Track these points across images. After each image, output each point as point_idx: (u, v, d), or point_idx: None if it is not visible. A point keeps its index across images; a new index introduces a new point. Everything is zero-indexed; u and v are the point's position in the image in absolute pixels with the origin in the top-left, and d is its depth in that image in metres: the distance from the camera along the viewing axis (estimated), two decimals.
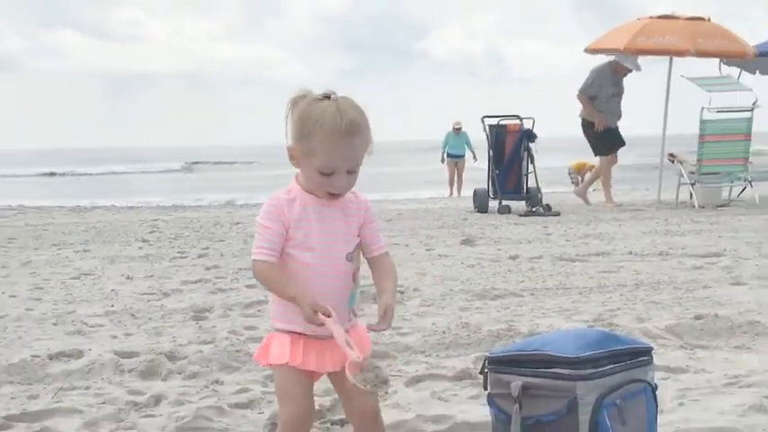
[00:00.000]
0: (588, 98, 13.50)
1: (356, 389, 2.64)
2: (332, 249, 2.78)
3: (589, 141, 13.83)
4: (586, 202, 14.15)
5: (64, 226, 12.44)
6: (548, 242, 9.61)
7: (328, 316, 2.62)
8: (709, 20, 14.64)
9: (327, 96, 2.65)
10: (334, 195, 2.74)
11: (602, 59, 14.17)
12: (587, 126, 13.65)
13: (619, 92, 13.76)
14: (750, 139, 13.46)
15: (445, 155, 20.21)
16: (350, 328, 2.79)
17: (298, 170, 2.78)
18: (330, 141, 2.60)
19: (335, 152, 2.63)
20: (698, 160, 13.41)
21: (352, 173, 2.70)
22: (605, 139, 13.63)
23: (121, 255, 9.12)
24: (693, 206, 13.21)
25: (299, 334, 2.77)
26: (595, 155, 14.01)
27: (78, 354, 4.72)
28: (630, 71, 13.68)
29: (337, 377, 2.85)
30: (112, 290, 6.91)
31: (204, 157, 63.70)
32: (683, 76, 14.15)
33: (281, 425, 2.82)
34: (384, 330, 2.74)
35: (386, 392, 2.76)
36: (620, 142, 13.89)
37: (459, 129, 19.97)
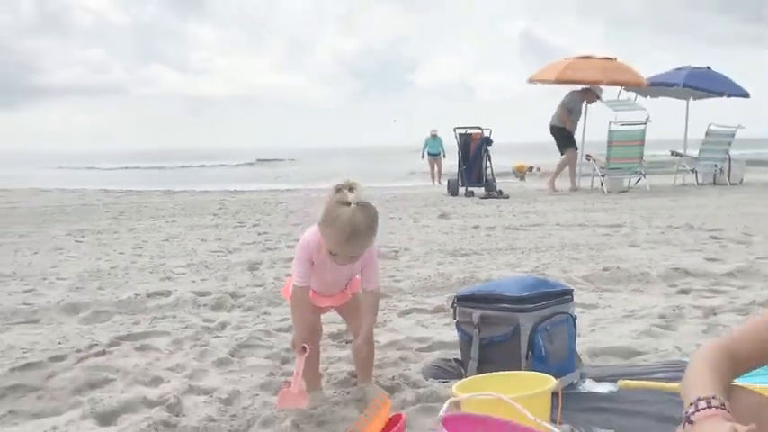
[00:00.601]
0: (567, 110, 13.43)
1: (354, 314, 2.81)
2: (336, 283, 2.81)
3: (557, 141, 13.57)
4: (553, 189, 13.79)
5: (158, 204, 12.42)
6: (500, 217, 9.58)
7: (305, 350, 2.64)
8: (616, 59, 14.60)
9: (348, 203, 2.48)
10: (340, 263, 2.66)
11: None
12: (557, 130, 13.43)
13: (579, 111, 13.62)
14: (643, 144, 13.43)
15: (426, 153, 20.35)
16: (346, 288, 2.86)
17: None
18: (335, 240, 2.51)
19: (338, 248, 2.54)
20: (607, 159, 13.36)
21: (354, 257, 2.61)
22: (569, 140, 13.51)
23: (198, 224, 9.11)
24: (603, 192, 13.16)
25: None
26: (561, 153, 13.70)
27: (168, 293, 4.72)
28: (598, 98, 13.56)
29: (339, 309, 2.98)
30: (192, 248, 6.90)
31: (260, 156, 63.43)
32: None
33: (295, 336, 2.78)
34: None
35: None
36: (574, 144, 13.69)
37: (434, 135, 20.18)
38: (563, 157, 13.66)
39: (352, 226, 2.46)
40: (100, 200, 13.57)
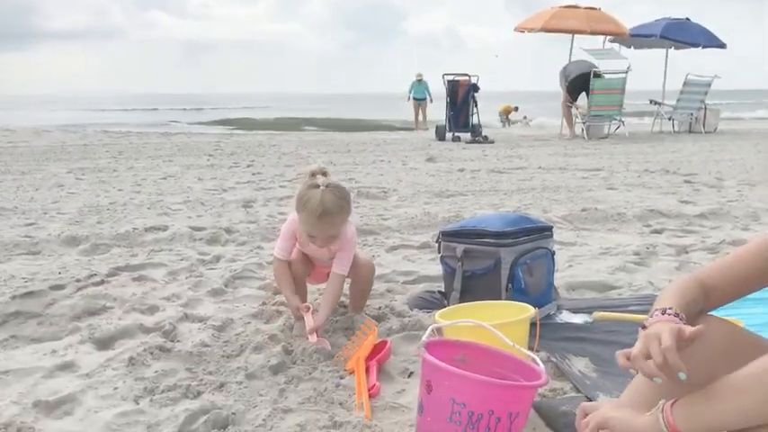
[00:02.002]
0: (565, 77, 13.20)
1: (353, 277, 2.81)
2: (318, 261, 2.85)
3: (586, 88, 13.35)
4: (573, 134, 13.64)
5: (156, 144, 12.26)
6: (484, 160, 9.53)
7: (308, 308, 2.64)
8: (600, 9, 14.40)
9: (318, 186, 2.53)
10: (319, 247, 2.70)
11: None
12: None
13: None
14: (624, 93, 13.32)
15: (411, 97, 19.33)
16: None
17: None
18: (308, 221, 2.54)
19: (312, 229, 2.57)
20: (588, 106, 13.26)
21: (332, 237, 2.63)
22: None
23: (194, 164, 9.01)
24: (584, 138, 13.12)
25: None
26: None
27: (164, 228, 4.68)
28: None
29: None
30: (188, 187, 6.84)
31: (251, 103, 62.69)
32: (581, 48, 13.98)
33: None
34: (312, 339, 2.53)
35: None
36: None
37: (420, 79, 19.13)
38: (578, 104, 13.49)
39: (322, 206, 2.49)
40: (100, 140, 13.39)
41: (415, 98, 19.34)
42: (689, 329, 1.29)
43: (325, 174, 2.62)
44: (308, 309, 2.65)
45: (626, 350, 1.34)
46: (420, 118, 19.46)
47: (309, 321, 2.58)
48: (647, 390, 1.41)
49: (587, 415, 1.44)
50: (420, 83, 19.15)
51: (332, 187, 2.55)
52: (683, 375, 1.26)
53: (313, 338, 2.52)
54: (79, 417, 2.02)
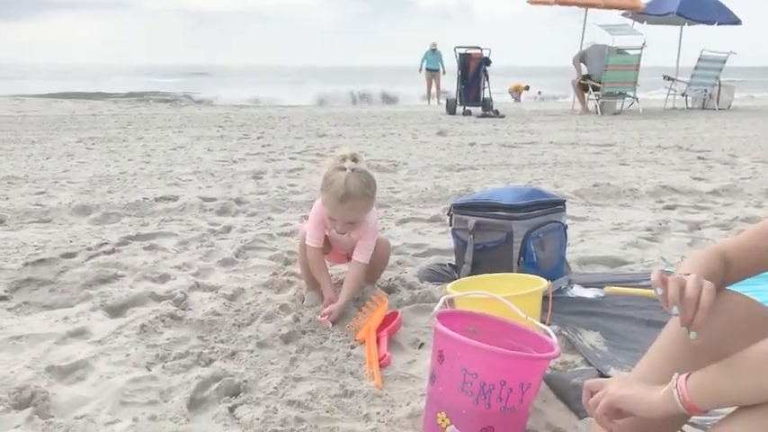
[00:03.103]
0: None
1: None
2: (341, 248, 2.80)
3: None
4: (585, 110, 13.54)
5: (166, 115, 12.24)
6: (495, 135, 9.47)
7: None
8: None
9: (344, 168, 2.50)
10: (339, 232, 2.64)
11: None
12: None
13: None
14: (638, 69, 13.13)
15: (423, 68, 18.20)
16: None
17: None
18: (330, 202, 2.51)
19: (333, 211, 2.54)
20: (602, 82, 13.10)
21: (351, 223, 2.58)
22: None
23: (204, 135, 8.99)
24: (597, 113, 13.01)
25: None
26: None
27: (175, 198, 4.69)
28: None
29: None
30: (198, 157, 6.83)
31: (259, 74, 62.41)
32: (594, 23, 13.80)
33: (298, 247, 2.85)
34: (328, 319, 2.48)
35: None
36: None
37: (434, 48, 18.07)
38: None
39: (345, 189, 2.47)
40: (110, 110, 13.38)
41: (428, 69, 18.24)
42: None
43: (355, 159, 2.55)
44: (329, 303, 2.60)
45: (665, 275, 1.30)
46: (433, 90, 18.52)
47: (331, 309, 2.52)
48: (662, 365, 1.40)
49: (593, 393, 1.42)
50: (434, 52, 18.05)
51: (358, 172, 2.51)
52: (694, 335, 1.25)
53: (323, 319, 2.49)
54: (92, 382, 2.03)
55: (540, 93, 24.44)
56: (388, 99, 21.19)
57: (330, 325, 2.47)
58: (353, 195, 2.48)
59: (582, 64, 13.27)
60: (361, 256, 2.67)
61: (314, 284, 2.79)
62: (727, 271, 1.46)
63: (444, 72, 18.13)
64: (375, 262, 2.82)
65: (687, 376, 1.27)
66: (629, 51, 13.10)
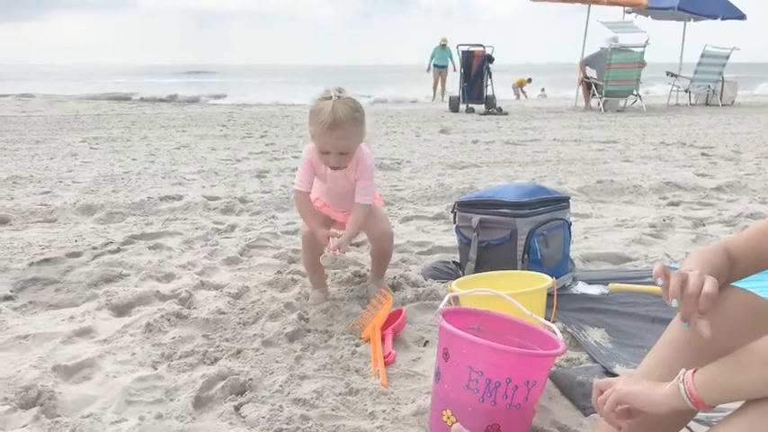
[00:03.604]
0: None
1: (375, 219, 2.71)
2: (340, 193, 2.71)
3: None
4: (587, 107, 13.57)
5: (169, 115, 12.26)
6: (499, 132, 9.46)
7: (332, 235, 2.56)
8: None
9: (330, 97, 2.45)
10: (332, 168, 2.58)
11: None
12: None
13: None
14: (642, 67, 13.06)
15: (432, 65, 17.62)
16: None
17: None
18: (319, 132, 2.45)
19: (323, 140, 2.47)
20: (605, 80, 13.04)
21: (343, 154, 2.51)
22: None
23: (208, 134, 9.01)
24: (600, 110, 12.98)
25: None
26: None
27: (179, 197, 4.70)
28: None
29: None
30: (202, 157, 6.84)
31: (261, 73, 62.42)
32: (598, 21, 13.74)
33: (302, 246, 2.80)
34: (336, 253, 2.48)
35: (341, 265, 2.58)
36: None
37: (444, 44, 17.40)
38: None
39: (333, 116, 2.41)
40: (113, 110, 13.41)
41: (435, 65, 17.63)
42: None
43: (340, 90, 2.50)
44: (333, 235, 2.58)
45: (667, 268, 1.31)
46: (439, 87, 17.98)
47: (334, 242, 2.51)
48: (669, 361, 1.40)
49: (602, 392, 1.43)
50: (444, 48, 17.42)
51: (345, 98, 2.47)
52: (686, 325, 1.25)
53: (335, 251, 2.47)
54: (98, 381, 2.04)
55: (543, 90, 24.43)
56: (393, 98, 20.96)
57: (345, 255, 2.49)
58: (342, 122, 2.43)
59: (587, 67, 13.23)
60: (363, 197, 2.63)
61: (318, 283, 2.79)
62: (731, 268, 1.46)
63: (455, 68, 16.46)
64: (380, 255, 2.81)
65: (694, 372, 1.27)
66: (632, 49, 13.05)
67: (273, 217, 4.21)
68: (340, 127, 2.43)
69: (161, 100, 18.98)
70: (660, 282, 1.29)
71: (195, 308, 2.62)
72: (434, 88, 18.29)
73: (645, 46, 12.96)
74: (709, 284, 1.25)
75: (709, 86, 14.53)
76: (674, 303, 1.26)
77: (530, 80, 24.00)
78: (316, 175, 2.68)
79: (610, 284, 2.79)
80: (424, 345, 2.34)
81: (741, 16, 15.04)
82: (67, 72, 59.05)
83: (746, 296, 1.45)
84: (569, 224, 2.99)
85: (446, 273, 3.05)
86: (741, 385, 1.20)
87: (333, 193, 2.77)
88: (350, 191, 2.68)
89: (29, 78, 42.80)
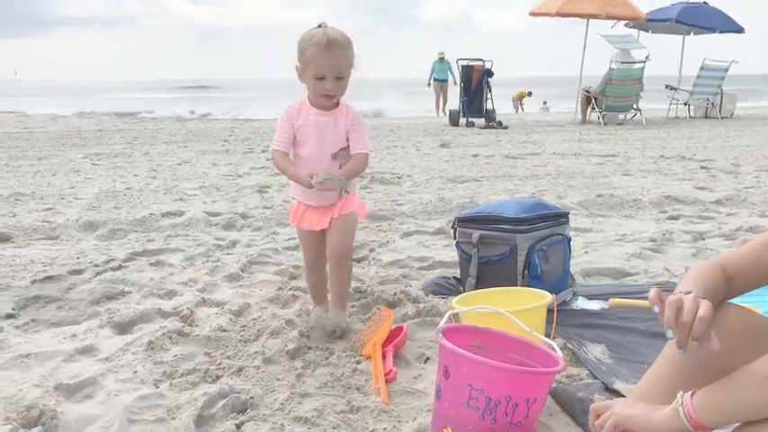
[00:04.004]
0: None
1: (333, 235, 2.60)
2: (322, 148, 2.59)
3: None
4: (584, 120, 13.59)
5: (171, 130, 12.31)
6: (498, 146, 9.49)
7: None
8: None
9: (318, 26, 2.51)
10: (329, 98, 2.54)
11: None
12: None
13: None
14: (641, 83, 13.08)
15: (432, 79, 17.33)
16: (339, 201, 2.62)
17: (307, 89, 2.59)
18: (316, 53, 2.44)
19: (320, 62, 2.46)
20: (605, 96, 13.05)
21: (339, 79, 2.50)
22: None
23: (210, 149, 9.04)
24: (600, 124, 13.01)
25: (302, 203, 2.72)
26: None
27: (181, 213, 4.71)
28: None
29: (327, 231, 2.65)
30: (204, 172, 6.86)
31: (262, 87, 62.56)
32: (598, 34, 13.79)
33: (304, 261, 2.83)
34: (319, 184, 2.44)
35: (343, 186, 2.52)
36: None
37: (442, 57, 17.19)
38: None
39: (327, 36, 2.45)
40: (115, 125, 13.46)
41: (436, 79, 17.34)
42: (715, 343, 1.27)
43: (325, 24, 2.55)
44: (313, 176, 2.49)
45: (663, 293, 1.32)
46: (440, 102, 17.64)
47: (324, 174, 2.47)
48: (667, 379, 1.40)
49: (599, 416, 1.43)
50: (442, 61, 17.19)
51: (333, 27, 2.52)
52: (695, 343, 1.26)
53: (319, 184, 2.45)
54: (100, 400, 2.04)
55: (545, 103, 24.52)
56: (394, 112, 20.81)
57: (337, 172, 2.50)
58: (338, 42, 2.46)
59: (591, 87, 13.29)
60: (360, 147, 2.60)
61: (320, 299, 2.79)
62: (729, 285, 1.46)
63: (456, 82, 16.13)
64: (333, 266, 2.65)
65: (692, 394, 1.27)
66: (632, 65, 13.08)
67: (275, 233, 4.22)
68: (335, 46, 2.45)
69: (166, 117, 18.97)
70: (656, 309, 1.30)
71: (197, 325, 2.63)
72: (437, 104, 17.94)
73: (645, 61, 13.00)
74: (704, 309, 1.26)
75: (708, 99, 14.57)
76: (669, 334, 1.27)
77: (530, 93, 24.10)
78: (297, 140, 2.61)
79: (610, 300, 2.79)
80: (425, 362, 2.34)
81: (739, 30, 15.11)
82: (66, 89, 59.25)
83: (744, 313, 1.45)
84: (569, 239, 3.00)
85: (447, 288, 3.06)
86: (740, 407, 1.21)
87: (312, 159, 2.59)
88: (336, 153, 2.59)
89: (29, 95, 42.93)
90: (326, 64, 2.47)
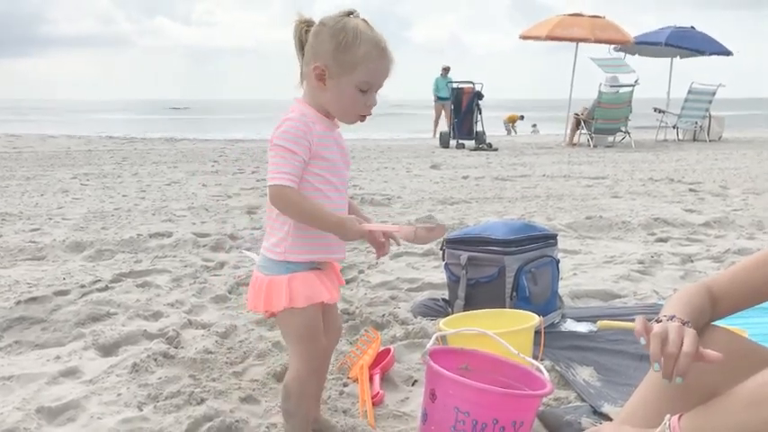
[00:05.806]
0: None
1: (329, 317, 1.87)
2: (342, 177, 1.85)
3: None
4: (571, 143, 13.65)
5: (160, 151, 12.30)
6: (488, 168, 9.53)
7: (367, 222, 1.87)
8: (604, 17, 14.41)
9: (351, 13, 1.74)
10: (364, 117, 1.79)
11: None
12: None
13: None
14: (630, 106, 13.15)
15: (436, 97, 15.91)
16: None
17: (297, 97, 1.80)
18: (373, 55, 1.70)
19: (377, 66, 1.72)
20: (594, 119, 13.14)
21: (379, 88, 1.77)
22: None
23: (199, 170, 9.02)
24: (590, 146, 13.09)
25: (313, 269, 1.80)
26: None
27: (169, 234, 4.69)
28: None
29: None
30: (193, 193, 6.85)
31: (256, 109, 62.71)
32: (589, 57, 13.93)
33: (308, 362, 1.79)
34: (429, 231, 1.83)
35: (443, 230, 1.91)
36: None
37: (447, 70, 15.81)
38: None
39: (380, 35, 1.74)
40: (105, 146, 13.44)
41: (439, 98, 15.93)
42: (708, 353, 1.27)
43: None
44: (388, 234, 1.88)
45: (648, 324, 1.33)
46: (441, 121, 16.18)
47: (382, 227, 1.88)
48: (652, 402, 1.40)
49: None
50: (445, 76, 15.79)
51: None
52: (680, 380, 1.26)
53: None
54: (82, 423, 2.01)
55: (535, 125, 24.66)
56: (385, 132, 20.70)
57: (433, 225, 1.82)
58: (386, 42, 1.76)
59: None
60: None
61: (317, 408, 2.06)
62: (714, 307, 1.47)
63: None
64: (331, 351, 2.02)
65: (680, 417, 1.27)
66: (621, 89, 13.19)
67: None
68: (389, 50, 1.76)
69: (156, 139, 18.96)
70: (642, 341, 1.30)
71: (182, 347, 2.60)
72: (435, 123, 16.71)
73: (634, 85, 13.12)
74: (688, 343, 1.26)
75: (696, 122, 14.70)
76: (655, 368, 1.28)
77: (522, 117, 24.21)
78: (308, 166, 1.73)
79: (598, 322, 2.80)
80: (413, 384, 2.33)
81: (727, 53, 15.32)
82: (59, 110, 59.20)
83: (730, 336, 1.46)
84: (557, 261, 3.01)
85: (435, 310, 3.05)
86: (727, 429, 1.20)
87: (337, 197, 1.82)
88: (346, 178, 1.90)
89: (18, 114, 42.85)
90: (384, 72, 1.76)
